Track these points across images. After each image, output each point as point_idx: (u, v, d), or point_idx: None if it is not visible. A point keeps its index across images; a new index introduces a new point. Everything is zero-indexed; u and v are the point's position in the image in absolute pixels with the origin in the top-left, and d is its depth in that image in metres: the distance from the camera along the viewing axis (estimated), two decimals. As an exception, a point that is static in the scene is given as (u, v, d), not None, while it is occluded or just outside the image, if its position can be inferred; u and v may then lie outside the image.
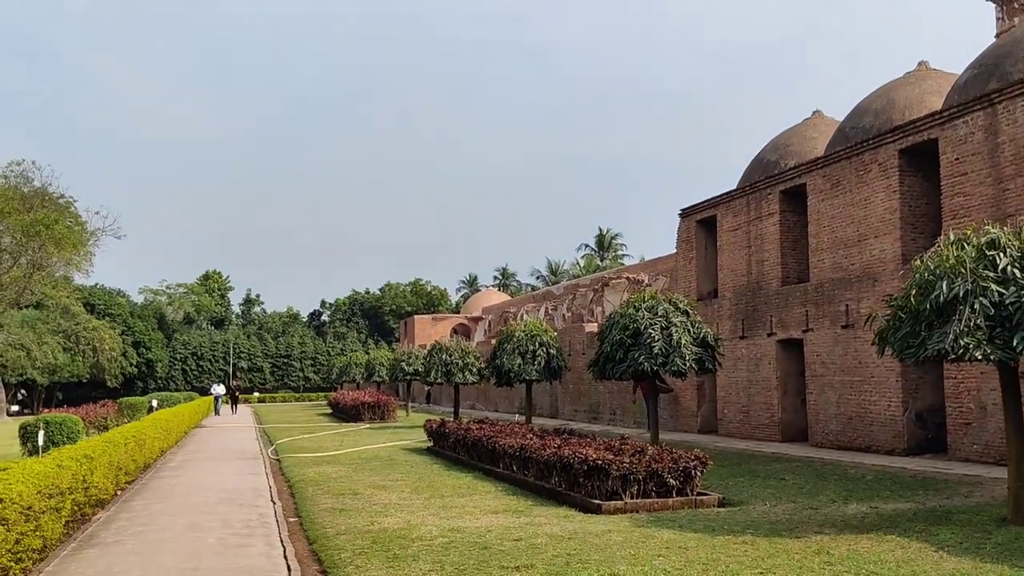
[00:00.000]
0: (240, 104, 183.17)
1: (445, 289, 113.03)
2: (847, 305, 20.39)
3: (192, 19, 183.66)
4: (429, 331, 69.53)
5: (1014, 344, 10.06)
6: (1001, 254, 10.46)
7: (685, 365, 18.48)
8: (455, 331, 73.08)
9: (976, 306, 10.22)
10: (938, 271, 10.74)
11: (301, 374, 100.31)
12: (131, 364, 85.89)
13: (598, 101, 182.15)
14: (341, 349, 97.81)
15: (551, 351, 26.90)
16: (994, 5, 33.24)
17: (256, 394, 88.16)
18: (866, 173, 20.18)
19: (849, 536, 10.67)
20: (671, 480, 13.70)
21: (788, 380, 23.14)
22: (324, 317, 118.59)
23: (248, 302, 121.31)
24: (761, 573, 8.86)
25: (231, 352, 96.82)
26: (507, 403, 46.17)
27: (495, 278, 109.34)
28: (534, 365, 26.49)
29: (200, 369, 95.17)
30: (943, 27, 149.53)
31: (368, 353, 63.67)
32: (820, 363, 21.40)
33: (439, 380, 35.31)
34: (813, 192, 22.01)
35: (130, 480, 18.48)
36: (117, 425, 32.57)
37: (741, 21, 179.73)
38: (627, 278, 46.01)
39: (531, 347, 26.68)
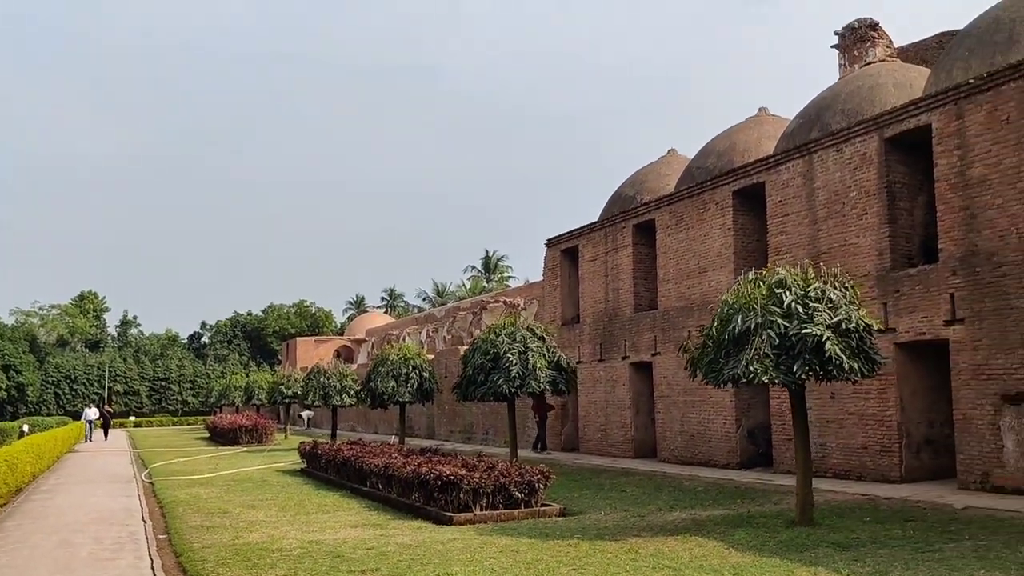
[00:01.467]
0: (121, 121, 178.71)
1: (330, 310, 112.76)
2: (689, 331, 22.27)
3: (74, 31, 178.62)
4: (312, 353, 69.70)
5: (795, 370, 11.81)
6: (787, 292, 12.22)
7: (539, 387, 19.99)
8: (338, 353, 73.40)
9: (764, 337, 11.93)
10: (735, 306, 12.45)
11: (179, 397, 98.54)
12: (0, 388, 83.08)
13: (489, 124, 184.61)
14: (222, 372, 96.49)
15: (424, 374, 28.08)
16: (837, 52, 36.24)
17: (132, 418, 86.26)
18: (705, 211, 22.16)
19: (660, 538, 12.21)
20: (517, 493, 15.08)
21: (640, 400, 24.93)
22: (205, 339, 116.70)
23: (125, 323, 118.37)
24: (574, 570, 10.26)
25: (106, 375, 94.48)
26: (386, 425, 47.03)
27: (383, 299, 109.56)
28: (407, 387, 27.62)
29: (74, 393, 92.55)
30: (797, 69, 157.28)
31: (248, 376, 63.43)
32: (667, 384, 23.23)
33: (317, 403, 36.10)
34: (661, 227, 23.92)
35: (2, 504, 18.84)
36: (-15, 451, 32.18)
37: (633, 47, 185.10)
38: (504, 302, 47.57)
39: (404, 370, 27.81)
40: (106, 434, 53.49)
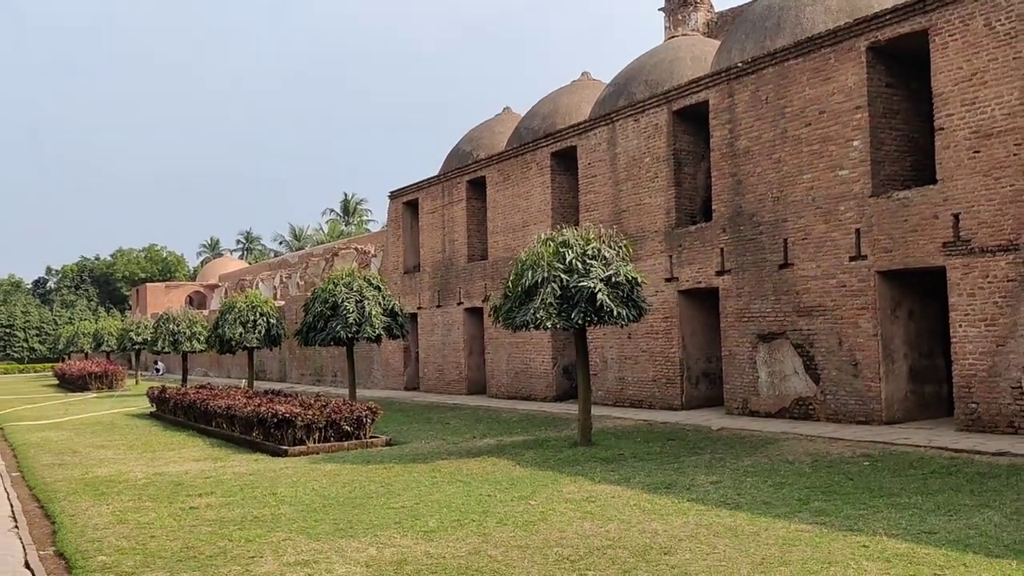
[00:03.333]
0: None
1: (182, 255, 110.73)
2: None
3: None
4: (162, 299, 69.29)
5: (572, 316, 14.04)
6: (569, 251, 14.39)
7: (374, 332, 21.82)
8: (190, 299, 73.11)
9: (549, 289, 14.09)
10: (527, 263, 14.57)
11: (25, 344, 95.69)
12: None
13: (352, 60, 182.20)
14: (69, 318, 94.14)
15: (271, 320, 29.42)
16: (663, 15, 38.74)
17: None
18: (528, 170, 24.26)
19: (464, 460, 14.35)
20: (346, 427, 16.97)
21: (473, 343, 27.10)
22: (50, 284, 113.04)
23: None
24: (382, 486, 12.26)
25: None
26: (239, 370, 47.96)
27: (239, 242, 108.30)
28: (255, 333, 28.93)
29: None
30: (632, 30, 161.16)
31: (96, 322, 62.78)
32: (495, 328, 25.43)
33: (166, 349, 36.93)
34: (491, 183, 25.93)
35: None
36: None
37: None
38: (355, 249, 48.90)
39: (252, 317, 29.08)
40: None
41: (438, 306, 28.61)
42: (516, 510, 10.27)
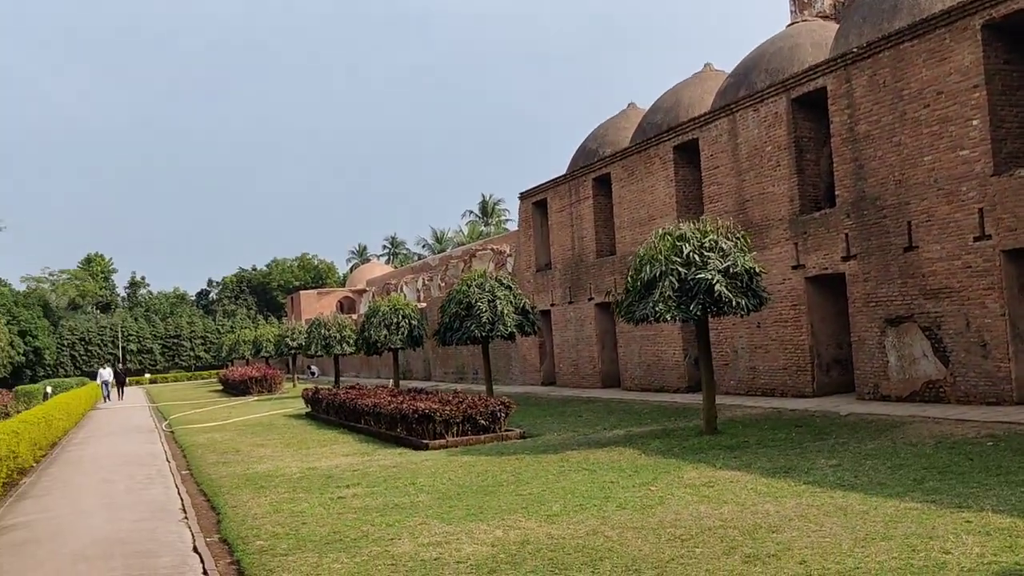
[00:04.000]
0: (117, 82, 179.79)
1: (332, 262, 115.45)
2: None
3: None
4: (315, 305, 72.57)
5: (691, 308, 14.45)
6: (686, 245, 14.80)
7: (507, 330, 22.69)
8: (341, 304, 76.31)
9: (667, 283, 14.54)
10: (645, 258, 15.05)
11: (192, 353, 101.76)
12: (18, 353, 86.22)
13: (483, 64, 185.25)
14: (231, 327, 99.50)
15: (413, 322, 30.75)
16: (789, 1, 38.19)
17: (147, 375, 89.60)
18: (652, 165, 24.63)
19: (592, 450, 14.98)
20: (482, 421, 17.85)
21: (605, 337, 27.64)
22: (212, 295, 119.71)
23: (134, 284, 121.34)
24: (513, 475, 13.03)
25: (119, 335, 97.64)
26: (387, 370, 49.91)
27: (384, 247, 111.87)
28: (398, 335, 30.32)
29: (89, 354, 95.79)
30: (752, 17, 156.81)
31: (256, 330, 66.33)
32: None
33: (319, 352, 38.97)
34: (616, 180, 26.41)
35: (43, 454, 21.74)
36: (17, 412, 35.19)
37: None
38: (492, 249, 50.17)
39: (395, 319, 30.48)
40: (120, 393, 52.80)
41: (570, 302, 29.28)
42: (636, 495, 10.83)
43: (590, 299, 28.01)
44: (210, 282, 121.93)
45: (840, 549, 7.65)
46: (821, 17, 30.80)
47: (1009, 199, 14.64)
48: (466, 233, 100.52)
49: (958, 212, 15.52)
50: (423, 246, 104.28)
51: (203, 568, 9.04)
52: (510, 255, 45.82)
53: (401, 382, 36.46)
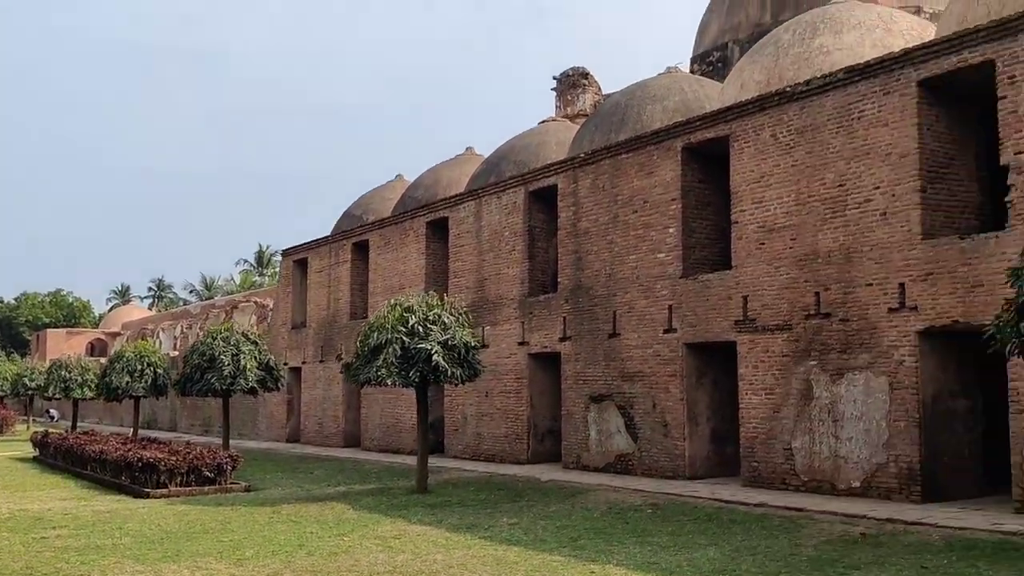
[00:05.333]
0: None
1: (88, 301, 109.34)
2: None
3: None
4: (63, 346, 68.91)
5: (410, 375, 15.70)
6: (412, 316, 16.08)
7: (247, 385, 23.12)
8: (92, 347, 72.75)
9: (391, 350, 15.74)
10: (375, 324, 16.22)
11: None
12: None
13: (269, 111, 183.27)
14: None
15: (158, 370, 30.34)
16: (554, 94, 41.20)
17: None
18: (406, 236, 26.04)
19: (307, 504, 15.75)
20: (207, 473, 18.21)
21: (351, 397, 28.48)
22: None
23: None
24: (220, 523, 13.64)
25: None
26: (132, 418, 48.22)
27: (150, 289, 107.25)
28: (141, 383, 29.82)
29: None
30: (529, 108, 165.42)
31: (-8, 367, 62.05)
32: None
33: (57, 395, 37.37)
34: (374, 247, 27.62)
35: None
36: None
37: (421, 47, 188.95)
38: (255, 302, 49.97)
39: (139, 366, 29.96)
40: None
41: (320, 361, 29.98)
42: (328, 544, 11.78)
43: (339, 358, 28.82)
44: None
45: (477, 591, 8.93)
46: (582, 115, 33.59)
47: (692, 299, 16.95)
48: (238, 282, 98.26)
49: (652, 307, 17.73)
50: (191, 291, 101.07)
51: None
52: (271, 309, 45.86)
53: (145, 431, 35.60)
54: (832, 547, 10.75)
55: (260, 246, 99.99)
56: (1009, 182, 12.37)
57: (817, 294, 14.73)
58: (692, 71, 27.36)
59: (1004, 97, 12.43)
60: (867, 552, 10.40)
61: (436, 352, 15.76)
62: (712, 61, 27.90)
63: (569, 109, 38.45)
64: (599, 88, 38.50)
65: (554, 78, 39.64)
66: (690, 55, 29.32)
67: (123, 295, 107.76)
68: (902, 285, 13.52)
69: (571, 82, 38.92)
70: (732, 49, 27.37)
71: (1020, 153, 12.23)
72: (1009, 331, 7.35)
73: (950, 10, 15.27)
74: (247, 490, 18.34)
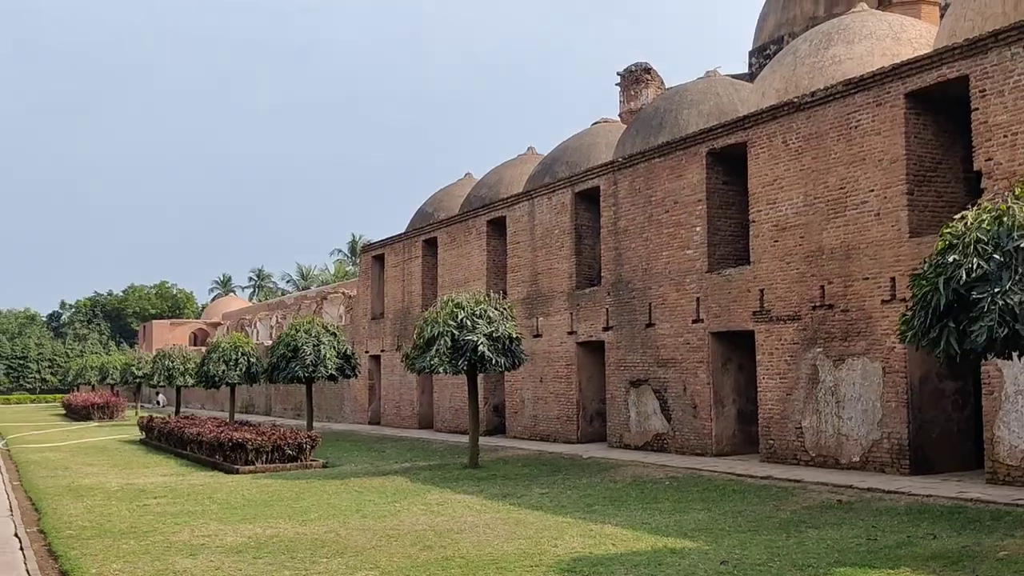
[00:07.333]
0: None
1: (192, 292, 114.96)
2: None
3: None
4: (167, 336, 73.22)
5: (459, 364, 17.72)
6: (461, 311, 18.08)
7: (327, 372, 25.54)
8: (195, 336, 77.09)
9: (442, 342, 17.78)
10: (428, 319, 18.29)
11: (38, 376, 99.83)
12: None
13: (357, 103, 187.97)
14: (80, 351, 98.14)
15: (251, 359, 33.12)
16: (618, 89, 42.62)
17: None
18: (469, 234, 28.08)
19: (373, 478, 17.94)
20: (289, 451, 20.61)
21: (425, 383, 30.74)
22: (64, 318, 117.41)
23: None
24: (294, 493, 15.89)
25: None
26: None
27: (250, 279, 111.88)
28: (236, 371, 32.64)
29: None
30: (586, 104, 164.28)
31: (103, 357, 66.67)
32: (441, 370, 29.11)
33: (162, 383, 40.73)
34: (441, 244, 29.76)
35: None
36: None
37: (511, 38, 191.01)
38: (343, 293, 52.76)
39: (234, 356, 32.80)
40: None
41: (397, 349, 32.28)
42: (382, 510, 13.89)
43: (399, 349, 31.09)
44: (63, 304, 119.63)
45: (490, 544, 10.87)
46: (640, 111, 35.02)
47: (716, 291, 18.53)
48: (333, 272, 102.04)
49: (683, 299, 19.36)
50: (287, 281, 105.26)
51: (20, 546, 11.61)
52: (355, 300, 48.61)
53: (241, 415, 38.64)
54: (807, 512, 12.37)
55: (353, 236, 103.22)
56: (982, 186, 13.68)
57: (822, 287, 16.21)
58: (750, 64, 28.63)
59: (976, 109, 13.74)
60: (835, 515, 11.99)
61: (482, 343, 17.73)
62: (769, 55, 29.06)
63: (632, 104, 39.72)
64: (662, 82, 39.62)
65: (618, 74, 41.03)
66: (749, 48, 30.57)
67: (225, 285, 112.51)
68: (893, 279, 14.92)
69: (634, 77, 40.14)
70: (788, 43, 28.56)
71: (990, 160, 13.53)
72: (908, 330, 8.80)
73: (943, 25, 16.50)
74: (324, 466, 20.65)
